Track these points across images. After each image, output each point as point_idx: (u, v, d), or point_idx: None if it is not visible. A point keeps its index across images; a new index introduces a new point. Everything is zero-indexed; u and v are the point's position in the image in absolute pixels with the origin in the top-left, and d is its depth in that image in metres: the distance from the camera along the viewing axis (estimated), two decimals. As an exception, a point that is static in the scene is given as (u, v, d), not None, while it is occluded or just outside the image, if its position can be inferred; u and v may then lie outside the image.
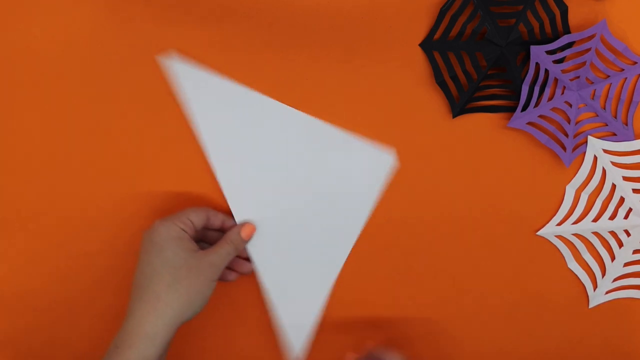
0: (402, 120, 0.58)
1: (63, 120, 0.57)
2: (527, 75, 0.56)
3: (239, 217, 0.58)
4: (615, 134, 0.59)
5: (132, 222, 0.59)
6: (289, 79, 0.57)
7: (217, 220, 0.57)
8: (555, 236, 0.61)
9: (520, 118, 0.57)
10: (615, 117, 0.59)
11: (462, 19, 0.55)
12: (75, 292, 0.59)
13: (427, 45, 0.56)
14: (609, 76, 0.57)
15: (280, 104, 0.57)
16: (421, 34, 0.56)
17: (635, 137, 0.59)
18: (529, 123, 0.58)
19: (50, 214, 0.58)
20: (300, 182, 0.58)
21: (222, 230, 0.57)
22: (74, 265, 0.59)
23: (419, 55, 0.57)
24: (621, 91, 0.58)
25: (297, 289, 0.60)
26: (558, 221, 0.61)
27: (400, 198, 0.60)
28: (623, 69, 0.57)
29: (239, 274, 0.58)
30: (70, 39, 0.55)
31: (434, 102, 0.58)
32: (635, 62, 0.57)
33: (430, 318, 0.58)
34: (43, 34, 0.55)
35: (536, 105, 0.58)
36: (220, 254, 0.54)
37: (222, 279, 0.57)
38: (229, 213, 0.58)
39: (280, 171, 0.58)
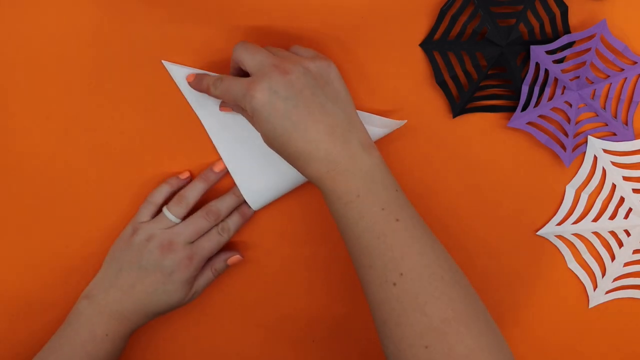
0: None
1: (63, 120, 0.57)
2: (527, 75, 0.56)
3: (256, 206, 0.58)
4: (615, 134, 0.59)
5: (132, 222, 0.59)
6: (289, 79, 0.57)
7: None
8: (555, 236, 0.61)
9: (520, 118, 0.57)
10: (615, 117, 0.59)
11: (462, 19, 0.55)
12: (75, 293, 0.59)
13: (427, 45, 0.56)
14: (609, 76, 0.57)
15: None
16: (421, 34, 0.56)
17: (635, 137, 0.59)
18: (529, 123, 0.58)
19: (50, 214, 0.58)
20: None
21: None
22: (74, 266, 0.59)
23: (419, 55, 0.57)
24: (621, 91, 0.58)
25: None
26: (558, 221, 0.61)
27: (400, 198, 0.60)
28: (623, 69, 0.57)
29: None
30: (71, 39, 0.55)
31: (434, 102, 0.58)
32: (635, 62, 0.57)
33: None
34: (43, 34, 0.55)
35: (536, 105, 0.58)
36: (200, 283, 0.57)
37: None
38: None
39: None
